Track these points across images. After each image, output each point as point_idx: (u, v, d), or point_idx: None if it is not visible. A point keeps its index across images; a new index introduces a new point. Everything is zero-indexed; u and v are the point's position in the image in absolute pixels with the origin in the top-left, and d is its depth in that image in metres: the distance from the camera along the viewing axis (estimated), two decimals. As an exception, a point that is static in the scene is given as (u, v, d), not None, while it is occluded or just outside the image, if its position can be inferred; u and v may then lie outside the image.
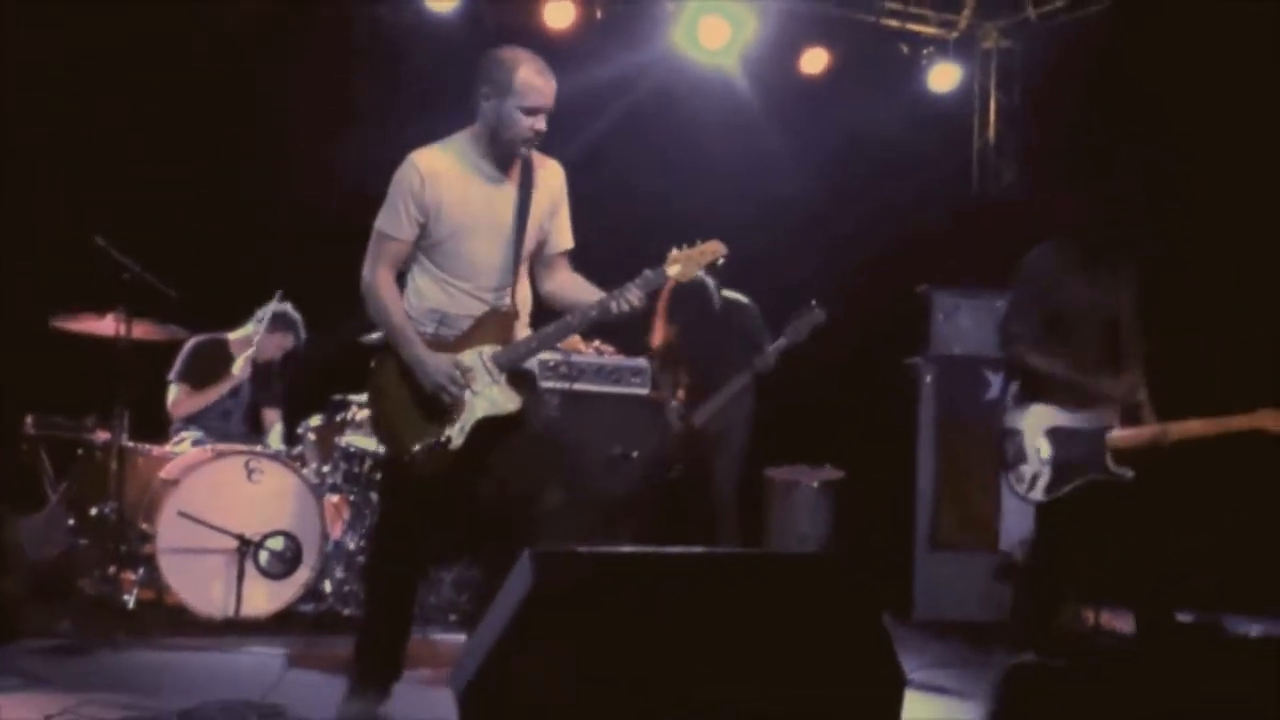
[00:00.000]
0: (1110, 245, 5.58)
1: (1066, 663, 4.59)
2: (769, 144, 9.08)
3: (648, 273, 4.68)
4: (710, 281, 7.37)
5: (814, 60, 9.20)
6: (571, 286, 4.83)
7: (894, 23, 9.39)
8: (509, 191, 4.68)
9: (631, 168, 8.67)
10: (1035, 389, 5.62)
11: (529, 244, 4.73)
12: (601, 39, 8.69)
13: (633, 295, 4.62)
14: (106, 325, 6.37)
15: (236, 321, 7.37)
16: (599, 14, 8.72)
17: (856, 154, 9.22)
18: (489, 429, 4.65)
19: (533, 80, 4.56)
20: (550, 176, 4.79)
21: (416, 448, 4.59)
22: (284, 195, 7.98)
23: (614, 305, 4.62)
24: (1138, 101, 8.35)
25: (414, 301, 4.70)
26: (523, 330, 4.77)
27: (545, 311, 4.87)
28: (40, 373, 7.00)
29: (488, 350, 4.66)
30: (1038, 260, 5.65)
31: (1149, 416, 5.53)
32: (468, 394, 4.61)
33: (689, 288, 7.35)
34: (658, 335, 7.46)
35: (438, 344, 4.64)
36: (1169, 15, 8.12)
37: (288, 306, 7.28)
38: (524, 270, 4.77)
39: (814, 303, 7.20)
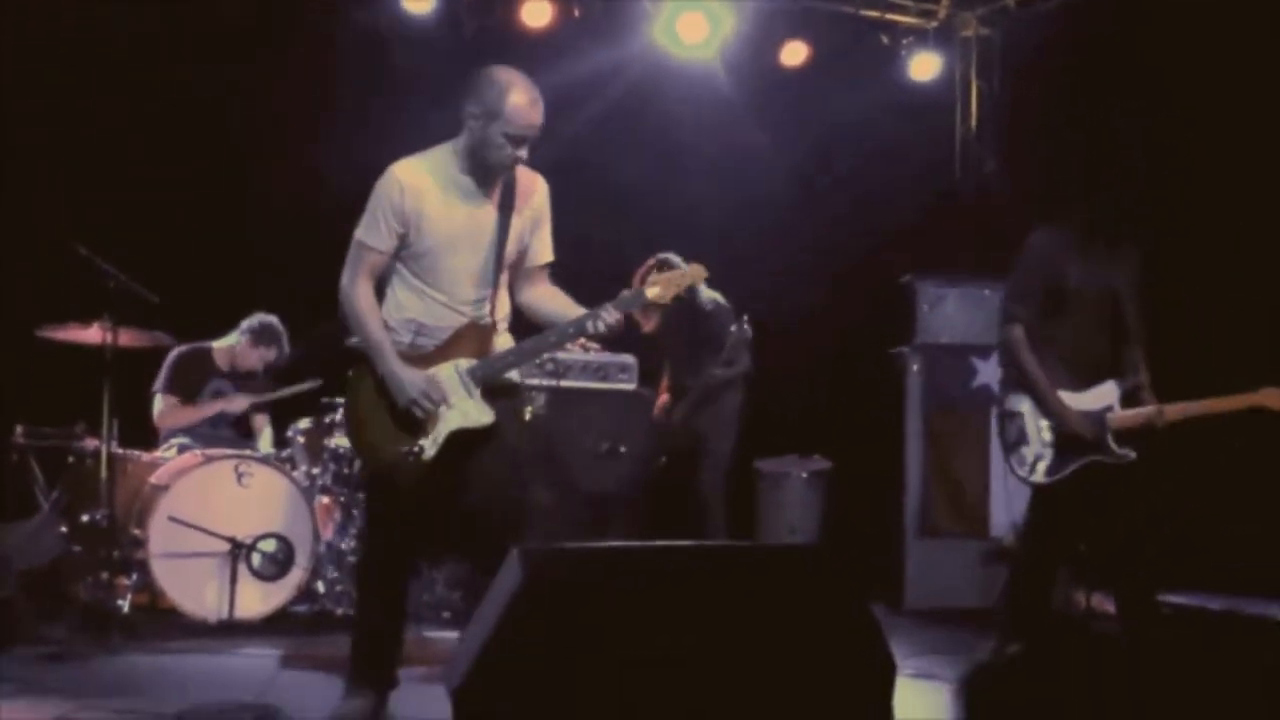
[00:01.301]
0: (1109, 226, 5.60)
1: (1034, 656, 4.63)
2: (750, 137, 9.09)
3: (625, 294, 4.73)
4: (677, 263, 7.39)
5: (793, 53, 9.21)
6: (549, 299, 4.85)
7: (873, 13, 9.39)
8: (490, 206, 4.69)
9: (612, 164, 8.68)
10: (1024, 374, 5.64)
11: (508, 258, 4.74)
12: (580, 37, 8.69)
13: (610, 316, 4.64)
14: (92, 334, 6.38)
15: (221, 326, 7.39)
16: (577, 12, 8.72)
17: (839, 145, 9.24)
18: (464, 441, 4.67)
19: (522, 108, 4.55)
20: (533, 192, 4.79)
21: (390, 457, 4.62)
22: (265, 200, 7.97)
23: (590, 325, 4.65)
24: (1119, 87, 8.37)
25: (392, 312, 4.71)
26: (501, 343, 4.78)
27: (522, 321, 4.89)
28: (28, 382, 7.01)
29: (464, 363, 4.67)
30: (1038, 241, 5.67)
31: (1149, 398, 5.56)
32: (442, 407, 4.63)
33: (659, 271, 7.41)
34: (648, 322, 7.49)
35: (415, 354, 4.66)
36: (1149, 3, 8.14)
37: (273, 318, 7.30)
38: (503, 283, 4.77)
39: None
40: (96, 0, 7.55)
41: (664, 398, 7.51)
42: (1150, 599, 5.49)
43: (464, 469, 4.70)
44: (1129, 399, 5.55)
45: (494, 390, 4.72)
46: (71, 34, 7.58)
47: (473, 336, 4.70)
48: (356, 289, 4.66)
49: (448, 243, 4.64)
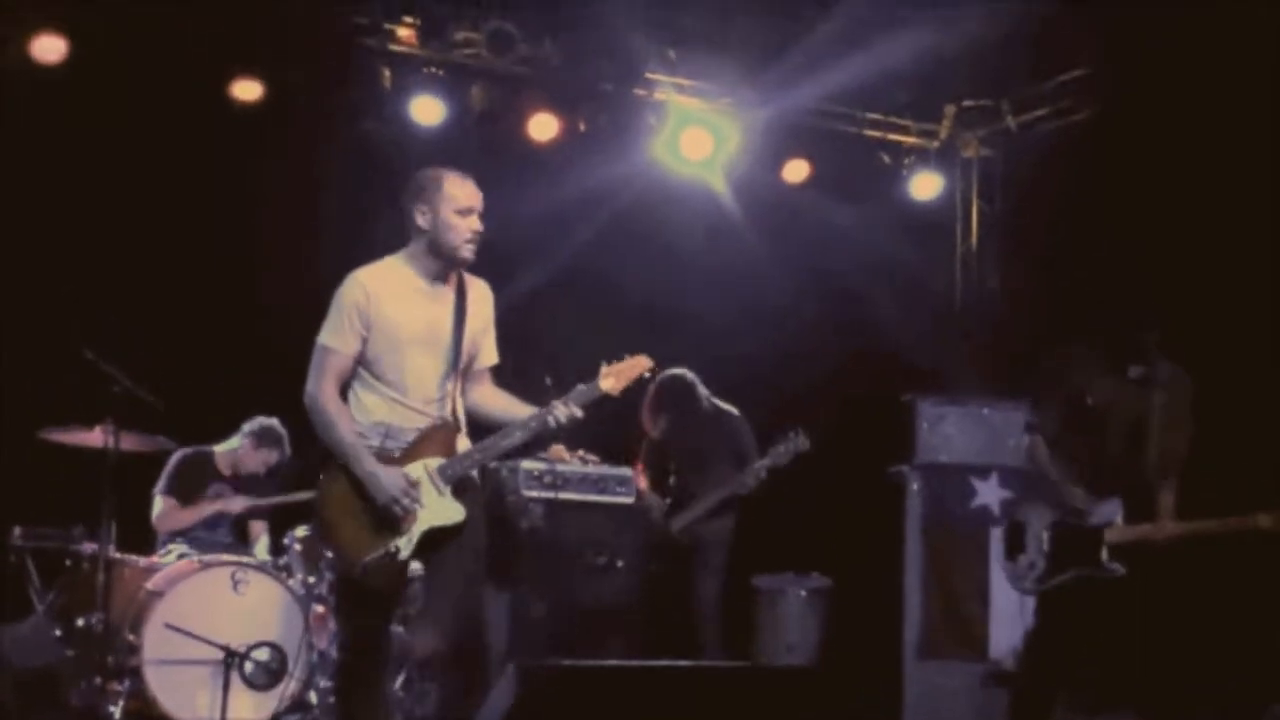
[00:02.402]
0: (1139, 347, 5.65)
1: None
2: (752, 253, 9.16)
3: (581, 387, 4.84)
4: (696, 379, 7.48)
5: (796, 170, 9.30)
6: (496, 399, 4.98)
7: (875, 133, 9.52)
8: (446, 309, 4.82)
9: (615, 276, 8.75)
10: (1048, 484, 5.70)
11: (465, 356, 4.87)
12: (584, 151, 8.79)
13: (567, 410, 4.78)
14: (95, 437, 6.40)
15: (224, 431, 7.40)
16: (582, 126, 8.84)
17: (840, 262, 9.30)
18: (435, 539, 4.71)
19: (460, 184, 4.80)
20: (482, 296, 4.96)
21: (366, 560, 4.64)
22: (269, 305, 8.01)
23: (551, 419, 4.78)
24: (1119, 209, 8.44)
25: (359, 416, 4.77)
26: (463, 443, 4.85)
27: (471, 422, 4.96)
28: (28, 483, 7.01)
29: (433, 463, 4.74)
30: (1063, 356, 5.74)
31: (1163, 522, 5.56)
32: (416, 506, 4.67)
33: (674, 382, 7.46)
34: (648, 424, 7.54)
35: (383, 457, 4.71)
36: (1150, 125, 8.23)
37: (274, 422, 7.33)
38: (458, 384, 4.87)
39: (798, 430, 7.29)
40: (104, 100, 7.64)
41: (658, 501, 7.52)
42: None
43: (432, 571, 4.77)
44: (1134, 517, 5.56)
45: (459, 488, 4.78)
46: (77, 134, 7.66)
47: (438, 437, 4.78)
48: (323, 393, 4.74)
49: (409, 344, 4.75)
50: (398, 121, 8.49)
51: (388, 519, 4.65)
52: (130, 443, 6.48)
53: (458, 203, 4.76)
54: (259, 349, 7.96)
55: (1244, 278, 7.78)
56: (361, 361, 4.75)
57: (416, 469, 4.71)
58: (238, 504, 7.26)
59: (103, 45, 7.57)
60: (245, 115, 8.10)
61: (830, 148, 9.38)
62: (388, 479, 4.64)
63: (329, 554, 4.83)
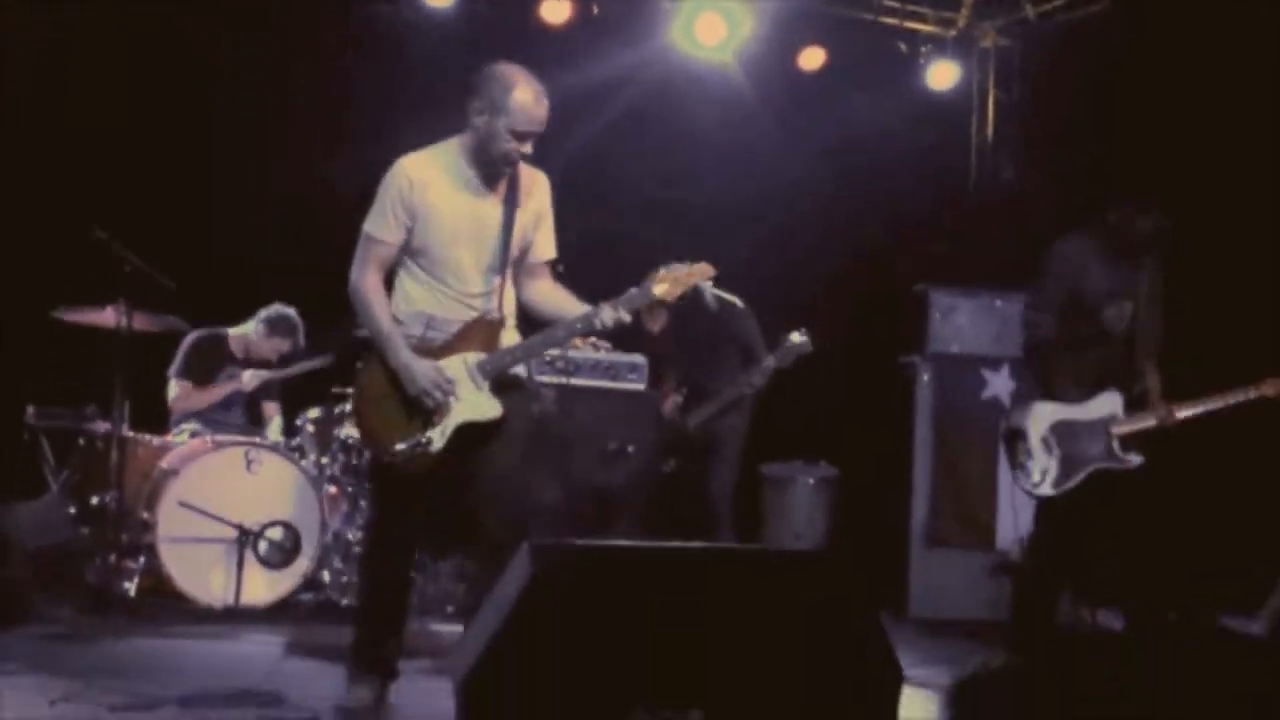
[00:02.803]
0: (1131, 236, 5.63)
1: (1021, 668, 4.64)
2: (767, 141, 9.09)
3: (633, 291, 4.76)
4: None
5: (811, 58, 9.20)
6: (552, 296, 4.89)
7: (891, 20, 9.40)
8: (495, 201, 4.74)
9: (628, 164, 8.70)
10: (1041, 384, 5.70)
11: (514, 253, 4.79)
12: (598, 36, 8.71)
13: (614, 313, 4.70)
14: (107, 317, 6.40)
15: (235, 315, 7.40)
16: (595, 10, 8.74)
17: (854, 151, 9.23)
18: (471, 433, 4.70)
19: (527, 105, 4.62)
20: (536, 188, 4.85)
21: (398, 447, 4.64)
22: (284, 190, 7.99)
23: (598, 321, 4.70)
24: (1137, 99, 8.37)
25: (402, 305, 4.75)
26: (508, 338, 4.81)
27: (525, 318, 4.93)
28: (41, 363, 7.03)
29: (472, 358, 4.70)
30: (1061, 249, 5.73)
31: (1157, 403, 5.58)
32: (451, 399, 4.65)
33: None
34: (655, 321, 7.49)
35: (424, 347, 4.69)
36: (1168, 14, 8.14)
37: (291, 311, 7.32)
38: (509, 278, 4.80)
39: (803, 330, 7.17)
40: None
41: (672, 398, 7.49)
42: (1158, 612, 5.50)
43: (470, 463, 4.73)
44: (1134, 406, 5.58)
45: (502, 385, 4.75)
46: (93, 22, 7.59)
47: (481, 331, 4.73)
48: (365, 281, 4.70)
49: (453, 236, 4.69)
50: (408, 4, 8.39)
51: (421, 410, 4.65)
52: (142, 323, 6.48)
53: (518, 123, 4.60)
54: (273, 236, 7.96)
55: (1260, 167, 7.76)
56: (407, 250, 4.71)
57: (455, 363, 4.68)
58: (251, 381, 7.24)
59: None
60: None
61: (846, 35, 9.27)
62: (421, 370, 4.62)
63: (361, 438, 4.79)
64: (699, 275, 4.83)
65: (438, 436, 4.66)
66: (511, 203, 4.74)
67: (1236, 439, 6.33)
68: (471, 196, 4.71)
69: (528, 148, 4.66)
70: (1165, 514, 5.64)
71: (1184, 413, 5.52)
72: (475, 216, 4.71)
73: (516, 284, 4.89)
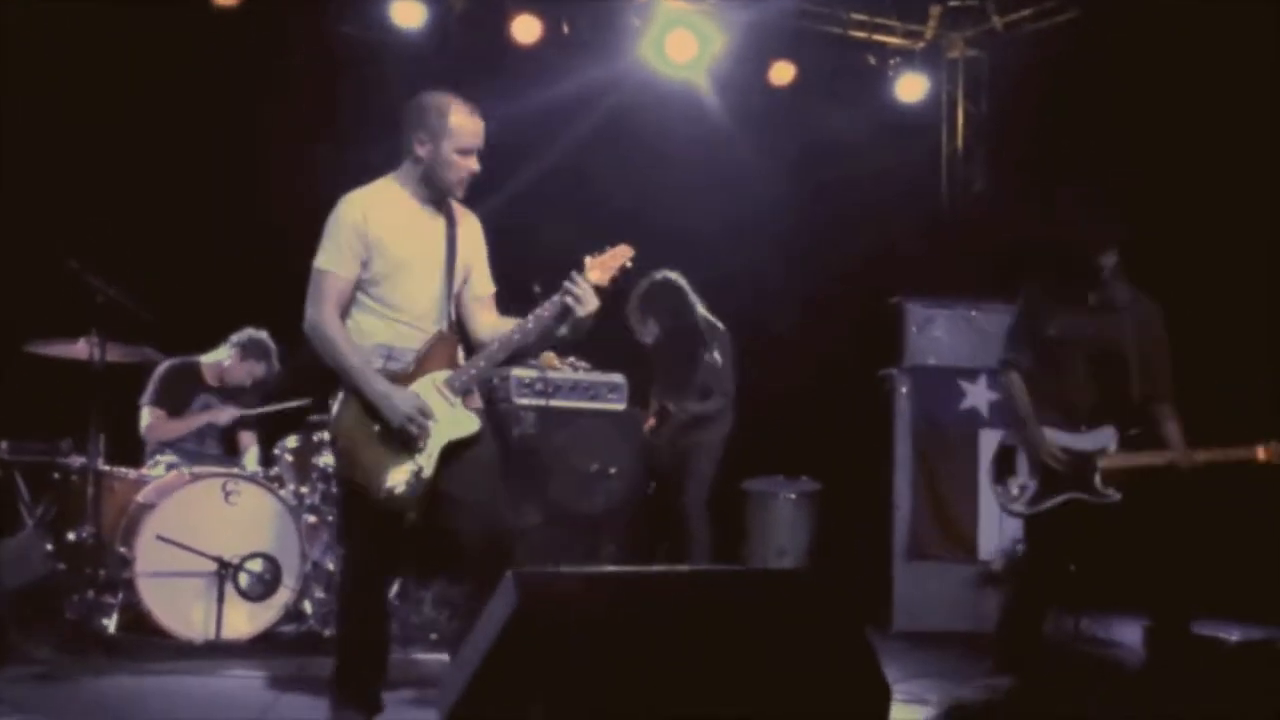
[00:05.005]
0: (1093, 273, 5.64)
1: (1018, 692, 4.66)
2: (738, 156, 9.11)
3: (576, 275, 4.74)
4: (686, 284, 7.40)
5: (781, 72, 9.25)
6: (502, 326, 4.88)
7: (860, 34, 9.44)
8: (439, 227, 4.81)
9: (600, 180, 8.70)
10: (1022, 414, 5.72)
11: (457, 277, 4.84)
12: (568, 54, 8.72)
13: (579, 287, 4.65)
14: (80, 349, 6.34)
15: (209, 343, 7.36)
16: (566, 28, 8.74)
17: (826, 165, 9.25)
18: (453, 452, 4.69)
19: (466, 123, 4.72)
20: (471, 223, 4.93)
21: (395, 486, 4.61)
22: (256, 215, 7.96)
23: (569, 299, 4.65)
24: (1104, 109, 8.42)
25: (359, 339, 4.73)
26: (464, 354, 4.84)
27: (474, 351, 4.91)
28: (14, 397, 6.96)
29: (440, 376, 4.72)
30: (1027, 293, 5.79)
31: (1177, 444, 5.58)
32: (430, 422, 4.64)
33: (666, 285, 7.41)
34: (637, 329, 7.49)
35: (388, 378, 4.68)
36: (1134, 25, 8.19)
37: (263, 335, 7.28)
38: (453, 301, 4.85)
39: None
40: (90, 15, 7.52)
41: (651, 420, 7.49)
42: (1184, 624, 5.52)
43: (451, 486, 4.70)
44: (1128, 445, 5.59)
45: (467, 399, 4.77)
46: (63, 49, 7.56)
47: (441, 350, 4.76)
48: (324, 317, 4.68)
49: (406, 265, 4.73)
50: (378, 25, 8.38)
51: (405, 439, 4.63)
52: (116, 354, 6.43)
53: (460, 141, 4.70)
54: (245, 260, 7.92)
55: (1227, 177, 7.81)
56: (361, 284, 4.71)
57: (424, 385, 4.68)
58: (226, 415, 7.24)
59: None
60: (224, 20, 7.99)
61: (816, 49, 9.31)
62: (400, 398, 4.61)
63: (349, 480, 4.72)
64: (621, 256, 4.84)
65: (427, 463, 4.64)
66: (452, 233, 4.82)
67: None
68: (419, 227, 4.77)
69: (475, 164, 4.74)
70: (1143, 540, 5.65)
71: (1203, 459, 5.53)
72: (424, 245, 4.77)
73: (466, 322, 4.92)
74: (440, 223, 4.81)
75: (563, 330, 4.76)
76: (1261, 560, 7.49)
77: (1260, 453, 5.49)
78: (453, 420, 4.69)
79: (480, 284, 4.94)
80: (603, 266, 4.79)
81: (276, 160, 7.97)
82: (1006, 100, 9.62)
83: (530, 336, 4.77)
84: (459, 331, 4.89)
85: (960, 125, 9.84)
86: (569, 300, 4.67)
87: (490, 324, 4.90)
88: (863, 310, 8.61)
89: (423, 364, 4.71)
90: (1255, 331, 7.72)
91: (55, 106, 7.59)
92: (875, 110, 9.44)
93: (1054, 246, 5.77)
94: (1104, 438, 5.61)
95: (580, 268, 4.74)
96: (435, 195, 4.78)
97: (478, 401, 4.88)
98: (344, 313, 4.73)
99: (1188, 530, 5.66)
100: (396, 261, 4.71)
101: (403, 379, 4.68)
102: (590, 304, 4.67)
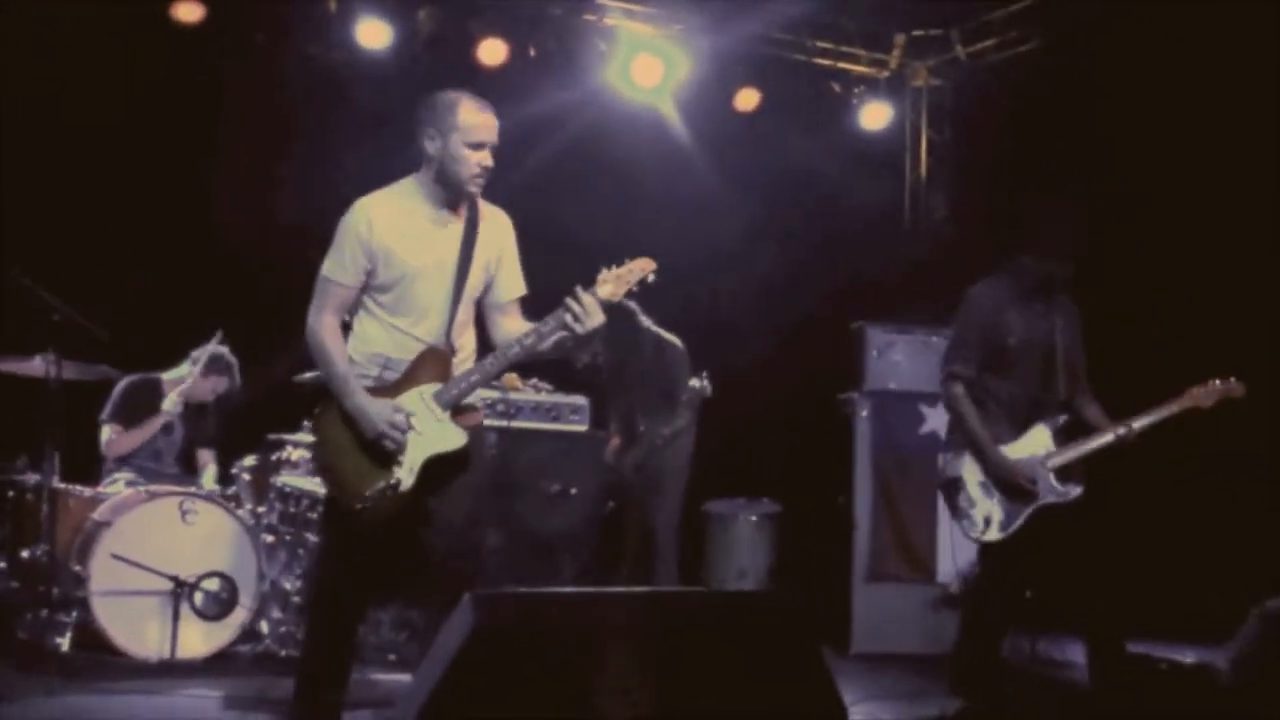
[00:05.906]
0: (1044, 278, 5.68)
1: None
2: (703, 181, 9.14)
3: (579, 290, 4.61)
4: (636, 307, 7.33)
5: (746, 99, 9.29)
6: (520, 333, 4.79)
7: (825, 62, 9.50)
8: (454, 233, 4.70)
9: (564, 205, 8.69)
10: (967, 430, 5.72)
11: (471, 285, 4.74)
12: (534, 77, 8.72)
13: (581, 303, 4.51)
14: (35, 366, 6.29)
15: (167, 362, 7.31)
16: (532, 52, 8.76)
17: (790, 191, 9.30)
18: (437, 466, 4.64)
19: (475, 117, 4.63)
20: (497, 227, 4.81)
21: (369, 494, 4.57)
22: (218, 233, 7.93)
23: (568, 317, 4.51)
24: (1066, 137, 8.49)
25: (359, 347, 4.70)
26: (460, 368, 4.75)
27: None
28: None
29: (429, 389, 4.64)
30: (977, 295, 5.76)
31: (1108, 424, 5.62)
32: (411, 434, 4.60)
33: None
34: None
35: (380, 388, 4.64)
36: (1096, 55, 8.28)
37: (224, 349, 7.24)
38: (464, 309, 4.75)
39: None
40: (50, 30, 7.48)
41: (614, 441, 7.47)
42: (1119, 644, 5.52)
43: (435, 495, 4.65)
44: (1065, 436, 5.62)
45: (459, 414, 4.69)
46: (19, 61, 7.51)
47: (433, 363, 4.68)
48: (323, 325, 4.66)
49: (413, 275, 4.65)
50: (343, 46, 8.38)
51: (383, 451, 4.58)
52: (72, 372, 6.38)
53: (470, 135, 4.60)
54: (205, 279, 7.88)
55: (1186, 200, 7.90)
56: (368, 291, 4.67)
57: (412, 397, 4.62)
58: (174, 406, 7.07)
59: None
60: (188, 38, 7.97)
61: (780, 77, 9.36)
62: (375, 411, 4.56)
63: (329, 487, 4.67)
64: (640, 270, 4.69)
65: (406, 475, 4.58)
66: (470, 239, 4.71)
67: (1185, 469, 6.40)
68: (431, 234, 4.68)
69: (488, 158, 4.64)
70: (1118, 543, 5.67)
71: (1140, 423, 5.56)
72: (435, 254, 4.67)
73: (487, 323, 4.85)
74: (457, 228, 4.70)
75: (568, 344, 4.62)
76: (1198, 581, 7.56)
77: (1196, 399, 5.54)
78: (438, 434, 4.63)
79: (504, 289, 4.82)
80: (618, 280, 4.63)
81: (240, 179, 7.95)
82: (969, 129, 9.69)
83: (529, 352, 4.64)
84: (476, 339, 4.82)
85: (924, 153, 9.91)
86: (567, 318, 4.53)
87: (508, 332, 4.79)
88: (824, 334, 8.64)
89: (412, 375, 4.65)
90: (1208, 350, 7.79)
91: (10, 121, 7.53)
92: (840, 138, 9.50)
93: (1018, 255, 5.76)
94: (1040, 437, 5.63)
95: (591, 281, 4.58)
96: (451, 196, 4.67)
97: (480, 417, 4.82)
98: (350, 317, 4.70)
99: (1120, 550, 5.68)
100: (404, 271, 4.64)
101: (390, 389, 4.63)
102: (592, 321, 4.53)
